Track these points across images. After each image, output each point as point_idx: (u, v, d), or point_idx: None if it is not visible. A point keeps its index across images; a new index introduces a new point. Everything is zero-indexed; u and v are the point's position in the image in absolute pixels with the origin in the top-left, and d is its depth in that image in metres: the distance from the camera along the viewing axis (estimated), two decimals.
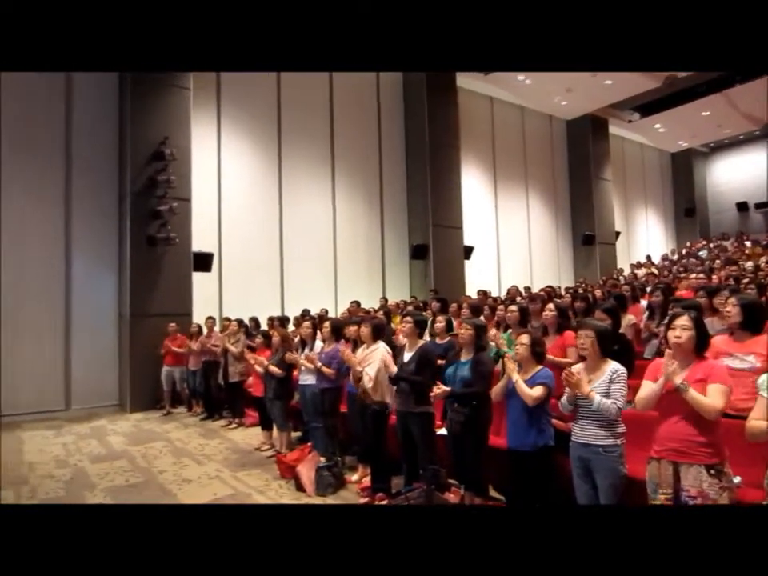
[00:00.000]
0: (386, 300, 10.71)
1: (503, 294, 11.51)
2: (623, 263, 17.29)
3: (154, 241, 9.29)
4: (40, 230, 9.23)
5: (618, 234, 17.93)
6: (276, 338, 5.92)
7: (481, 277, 13.98)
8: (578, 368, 3.00)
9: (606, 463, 2.81)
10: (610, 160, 17.71)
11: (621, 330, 4.31)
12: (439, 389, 3.59)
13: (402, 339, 4.79)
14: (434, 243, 12.81)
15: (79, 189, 9.60)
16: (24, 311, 8.94)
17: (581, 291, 8.99)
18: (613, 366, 2.91)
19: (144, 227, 9.34)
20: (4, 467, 5.78)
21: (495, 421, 3.80)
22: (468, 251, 13.61)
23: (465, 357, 3.74)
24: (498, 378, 3.50)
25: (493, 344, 4.20)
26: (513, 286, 10.09)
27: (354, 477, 4.80)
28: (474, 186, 14.90)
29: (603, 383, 2.86)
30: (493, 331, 4.81)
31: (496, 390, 3.38)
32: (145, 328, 9.12)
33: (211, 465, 5.65)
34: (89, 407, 9.19)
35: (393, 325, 7.20)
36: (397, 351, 4.58)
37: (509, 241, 15.72)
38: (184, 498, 4.63)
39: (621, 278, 12.49)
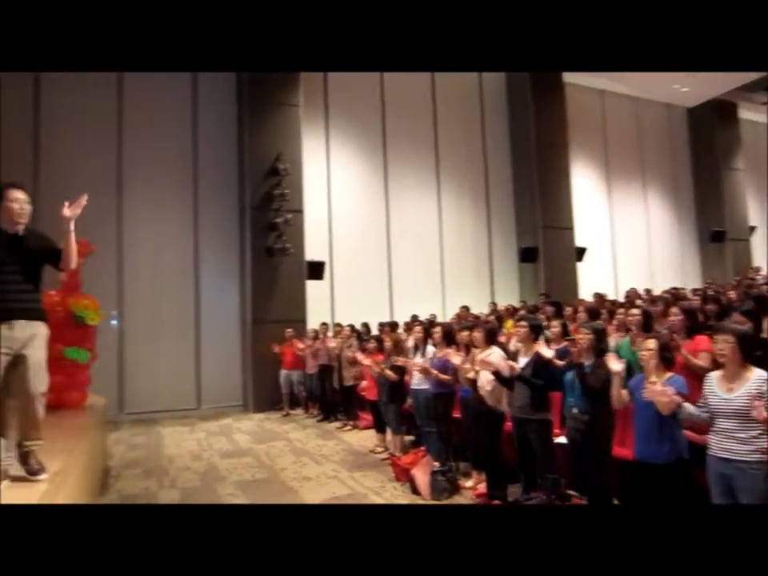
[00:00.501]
0: (496, 305, 10.56)
1: (621, 298, 10.93)
2: (760, 261, 15.71)
3: (271, 252, 9.86)
4: (172, 242, 10.18)
5: (752, 228, 16.27)
6: (388, 343, 6.05)
7: (595, 279, 13.36)
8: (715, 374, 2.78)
9: (752, 482, 2.52)
10: (741, 148, 16.16)
11: (763, 335, 3.93)
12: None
13: (514, 344, 4.71)
14: (544, 245, 12.46)
15: (205, 204, 10.46)
16: (160, 318, 9.87)
17: (711, 292, 8.31)
18: (758, 374, 2.64)
19: (262, 239, 9.95)
20: (148, 459, 6.42)
21: (618, 429, 3.63)
22: (580, 253, 13.07)
23: (585, 362, 3.61)
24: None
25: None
26: (631, 288, 9.58)
27: (469, 483, 4.79)
28: (585, 184, 14.28)
29: (747, 392, 2.61)
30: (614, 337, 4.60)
31: (617, 397, 3.23)
32: (264, 333, 9.68)
33: (329, 465, 5.89)
34: (216, 407, 9.93)
35: (504, 330, 7.09)
36: (509, 356, 4.51)
37: (625, 240, 14.86)
38: (305, 495, 4.86)
39: (758, 277, 11.38)
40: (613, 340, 4.74)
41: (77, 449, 3.92)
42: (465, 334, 5.07)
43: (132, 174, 9.92)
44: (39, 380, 2.93)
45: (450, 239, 12.69)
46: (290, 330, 9.23)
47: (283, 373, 9.11)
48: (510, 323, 7.56)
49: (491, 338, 4.43)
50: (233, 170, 10.72)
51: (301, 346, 8.80)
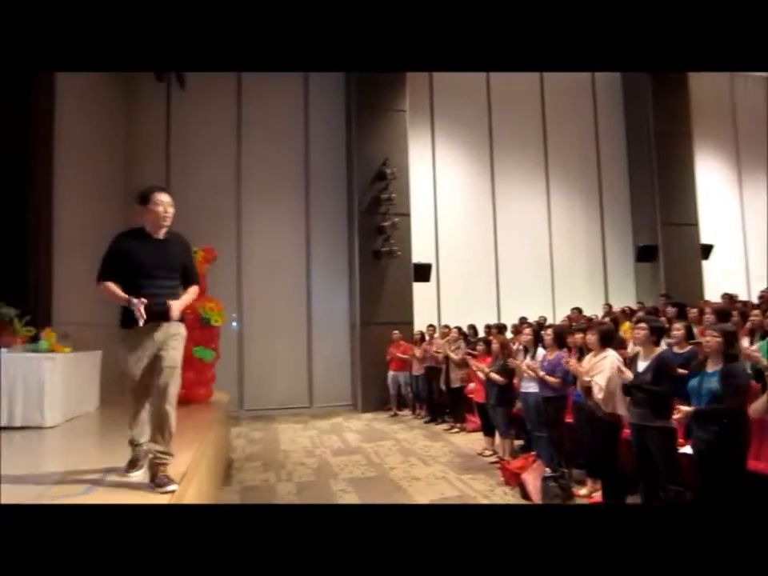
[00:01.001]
0: (611, 306, 10.05)
1: (754, 299, 9.97)
2: None
3: (378, 255, 10.07)
4: (286, 248, 10.74)
5: None
6: (495, 345, 5.98)
7: (724, 280, 12.27)
8: None
9: None
10: None
11: None
12: (679, 411, 3.27)
13: (632, 347, 4.47)
14: (664, 243, 11.68)
15: (316, 210, 10.93)
16: (274, 321, 10.43)
17: None
18: None
19: (370, 242, 10.19)
20: (266, 453, 6.80)
21: (754, 441, 3.33)
22: (706, 250, 12.09)
23: (712, 367, 3.34)
24: (757, 394, 3.06)
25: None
26: (766, 289, 8.71)
27: (583, 491, 4.61)
28: (712, 176, 13.20)
29: None
30: (745, 342, 4.23)
31: (757, 407, 2.96)
32: (372, 335, 9.92)
33: (437, 466, 5.91)
34: (327, 406, 10.32)
35: (621, 333, 6.74)
36: (627, 360, 4.29)
37: (759, 237, 13.50)
38: (414, 494, 4.91)
39: None
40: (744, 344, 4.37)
41: (205, 440, 4.25)
42: (578, 336, 4.89)
43: (249, 183, 10.62)
44: (174, 380, 3.01)
45: (561, 238, 12.28)
46: (396, 331, 9.37)
47: (390, 374, 9.28)
48: (626, 326, 7.17)
49: (606, 341, 4.23)
50: (342, 176, 11.11)
51: (405, 356, 8.98)
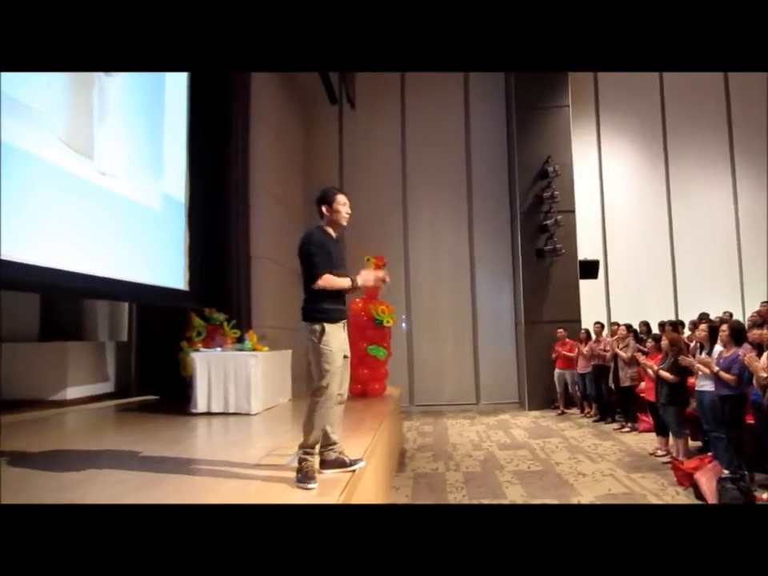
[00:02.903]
0: None
1: None
2: None
3: (541, 253, 10.06)
4: (450, 251, 11.20)
5: None
6: (665, 342, 5.76)
7: None
8: None
9: None
10: None
11: None
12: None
13: None
14: None
15: (478, 211, 11.24)
16: (441, 321, 10.93)
17: None
18: None
19: (533, 241, 10.21)
20: (435, 445, 7.26)
21: None
22: None
23: None
24: None
25: None
26: None
27: (766, 495, 4.33)
28: None
29: None
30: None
31: None
32: (537, 334, 9.94)
33: (604, 463, 5.87)
34: (494, 403, 10.56)
35: None
36: None
37: None
38: (581, 489, 4.98)
39: None
40: None
41: (380, 428, 4.78)
42: (756, 332, 4.59)
43: (414, 190, 11.25)
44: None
45: (750, 226, 11.15)
46: (561, 329, 9.29)
47: (557, 372, 9.23)
48: None
49: None
50: (503, 177, 11.26)
51: (571, 354, 8.90)
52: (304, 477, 2.84)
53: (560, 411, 9.22)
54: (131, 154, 5.92)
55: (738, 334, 4.77)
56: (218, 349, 6.36)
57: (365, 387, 6.95)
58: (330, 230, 3.15)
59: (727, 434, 4.74)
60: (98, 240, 5.25)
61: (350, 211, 3.16)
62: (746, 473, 4.51)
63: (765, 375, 3.94)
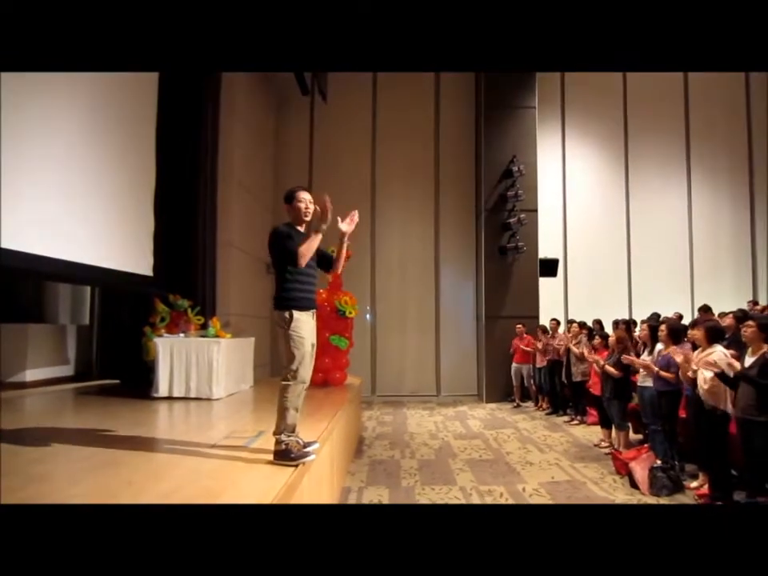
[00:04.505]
0: (756, 303, 9.39)
1: None
2: None
3: (504, 250, 10.33)
4: (416, 245, 11.37)
5: None
6: (612, 339, 6.08)
7: None
8: None
9: None
10: None
11: None
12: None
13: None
14: None
15: (445, 207, 11.45)
16: (405, 314, 11.12)
17: None
18: None
19: (496, 238, 10.47)
20: (394, 434, 7.47)
21: None
22: None
23: None
24: None
25: None
26: None
27: (694, 484, 4.66)
28: None
29: None
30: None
31: None
32: (498, 329, 10.23)
33: (552, 454, 6.18)
34: (453, 395, 10.84)
35: None
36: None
37: None
38: (527, 476, 5.26)
39: None
40: None
41: (338, 415, 4.95)
42: (690, 332, 4.91)
43: (383, 185, 11.37)
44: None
45: (703, 231, 11.66)
46: (519, 325, 9.59)
47: (514, 366, 9.54)
48: None
49: (714, 337, 4.27)
50: (470, 175, 11.47)
51: (528, 348, 9.21)
52: (288, 454, 3.05)
53: (516, 404, 9.54)
54: (96, 137, 5.93)
55: (675, 334, 5.09)
56: (182, 335, 6.44)
57: (326, 376, 7.12)
58: (298, 227, 3.32)
59: (663, 426, 5.07)
60: (60, 223, 5.27)
61: (309, 207, 3.31)
62: (676, 463, 4.84)
63: (691, 372, 4.23)
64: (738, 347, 4.37)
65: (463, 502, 4.53)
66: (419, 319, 11.21)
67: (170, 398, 5.83)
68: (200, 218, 7.57)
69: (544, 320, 9.88)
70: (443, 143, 11.52)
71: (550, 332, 8.91)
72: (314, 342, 3.33)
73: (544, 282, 10.67)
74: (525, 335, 9.44)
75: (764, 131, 11.83)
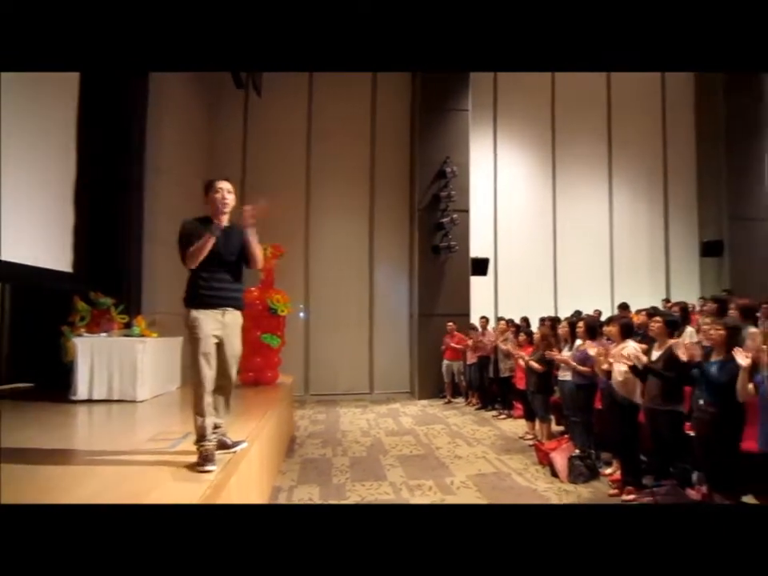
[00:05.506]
0: (668, 301, 10.02)
1: None
2: None
3: (437, 250, 10.52)
4: (351, 243, 11.41)
5: None
6: (537, 336, 6.34)
7: None
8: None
9: None
10: None
11: None
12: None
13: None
14: (731, 238, 11.42)
15: (380, 206, 11.52)
16: (339, 311, 11.13)
17: None
18: None
19: (429, 238, 10.65)
20: (326, 432, 7.47)
21: (748, 424, 3.58)
22: None
23: (715, 357, 3.64)
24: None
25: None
26: None
27: (608, 470, 4.94)
28: None
29: None
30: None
31: (741, 389, 3.26)
32: (430, 326, 10.41)
33: (480, 447, 6.38)
34: (387, 392, 10.96)
35: None
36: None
37: None
38: (455, 470, 5.41)
39: None
40: None
41: (268, 414, 4.91)
42: (606, 328, 5.19)
43: (318, 182, 11.31)
44: (235, 369, 3.27)
45: (622, 234, 12.29)
46: (450, 323, 9.80)
47: (445, 363, 9.75)
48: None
49: (626, 333, 4.55)
50: (405, 175, 11.60)
51: (459, 346, 9.42)
52: (202, 460, 2.93)
53: (447, 400, 9.76)
54: (10, 130, 5.58)
55: (591, 330, 5.36)
56: (104, 334, 6.17)
57: (257, 375, 7.02)
58: (216, 220, 3.13)
59: (582, 418, 5.33)
60: None
61: (227, 197, 3.15)
62: (593, 451, 5.11)
63: (605, 366, 4.50)
64: (650, 342, 4.67)
65: (393, 496, 4.60)
66: (353, 317, 11.24)
67: (90, 401, 5.57)
68: (125, 212, 7.27)
69: (475, 318, 10.14)
70: (379, 143, 11.59)
71: (480, 329, 9.17)
72: (227, 339, 3.18)
73: (475, 281, 10.96)
74: (456, 333, 9.65)
75: (679, 137, 12.57)
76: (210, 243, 3.03)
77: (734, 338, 3.59)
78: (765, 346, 3.14)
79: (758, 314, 5.62)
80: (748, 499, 3.80)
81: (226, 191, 3.16)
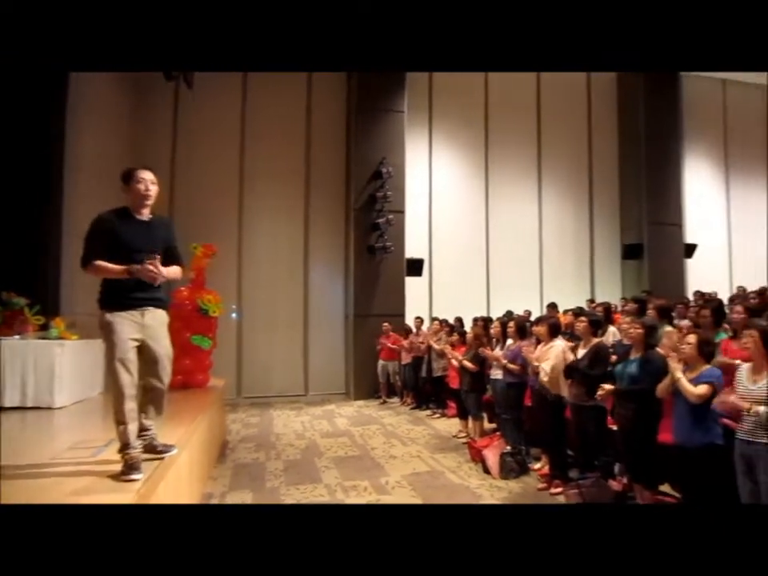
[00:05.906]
0: (593, 301, 10.49)
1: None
2: None
3: (372, 250, 10.54)
4: (285, 243, 11.24)
5: None
6: (470, 335, 6.47)
7: (708, 278, 12.62)
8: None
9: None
10: None
11: None
12: (603, 389, 3.78)
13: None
14: (650, 242, 12.10)
15: (315, 206, 11.41)
16: (273, 312, 10.95)
17: None
18: None
19: (365, 238, 10.66)
20: (259, 436, 7.33)
21: (665, 417, 3.80)
22: (690, 250, 12.50)
23: (634, 355, 3.84)
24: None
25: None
26: (739, 287, 9.14)
27: (537, 465, 5.11)
28: (700, 177, 13.55)
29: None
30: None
31: (661, 387, 3.45)
32: (366, 327, 10.41)
33: (414, 446, 6.44)
34: (322, 394, 10.87)
35: None
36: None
37: (744, 238, 13.72)
38: (390, 470, 5.44)
39: None
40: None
41: (198, 419, 4.75)
42: (535, 328, 5.36)
43: (251, 181, 11.05)
44: (168, 370, 3.12)
45: (550, 236, 12.72)
46: (386, 323, 9.85)
47: (380, 363, 9.80)
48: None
49: (554, 332, 4.73)
50: (341, 175, 11.54)
51: (394, 346, 9.49)
52: (127, 468, 2.80)
53: (382, 401, 9.79)
54: None
55: (522, 329, 5.53)
56: (17, 337, 5.79)
57: (186, 378, 6.77)
58: (134, 210, 2.97)
59: (512, 415, 5.49)
60: None
61: (151, 188, 2.96)
62: (523, 448, 5.27)
63: (536, 364, 4.65)
64: (577, 341, 4.87)
65: (328, 498, 4.57)
66: (287, 318, 11.08)
67: (0, 409, 5.20)
68: (41, 208, 6.85)
69: (410, 318, 10.24)
70: (314, 142, 11.48)
71: (415, 330, 9.26)
72: (161, 342, 3.06)
73: (410, 282, 11.06)
74: (391, 333, 9.71)
75: (603, 139, 13.13)
76: (121, 276, 2.83)
77: (651, 336, 3.80)
78: (679, 344, 3.33)
79: (674, 314, 5.99)
80: (665, 488, 4.04)
81: (149, 182, 2.96)
